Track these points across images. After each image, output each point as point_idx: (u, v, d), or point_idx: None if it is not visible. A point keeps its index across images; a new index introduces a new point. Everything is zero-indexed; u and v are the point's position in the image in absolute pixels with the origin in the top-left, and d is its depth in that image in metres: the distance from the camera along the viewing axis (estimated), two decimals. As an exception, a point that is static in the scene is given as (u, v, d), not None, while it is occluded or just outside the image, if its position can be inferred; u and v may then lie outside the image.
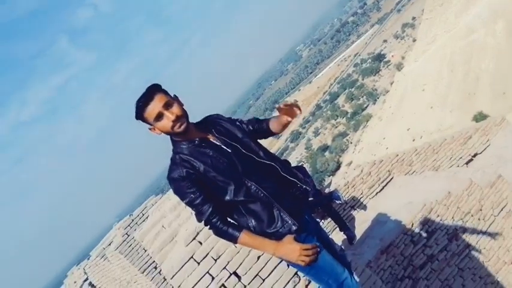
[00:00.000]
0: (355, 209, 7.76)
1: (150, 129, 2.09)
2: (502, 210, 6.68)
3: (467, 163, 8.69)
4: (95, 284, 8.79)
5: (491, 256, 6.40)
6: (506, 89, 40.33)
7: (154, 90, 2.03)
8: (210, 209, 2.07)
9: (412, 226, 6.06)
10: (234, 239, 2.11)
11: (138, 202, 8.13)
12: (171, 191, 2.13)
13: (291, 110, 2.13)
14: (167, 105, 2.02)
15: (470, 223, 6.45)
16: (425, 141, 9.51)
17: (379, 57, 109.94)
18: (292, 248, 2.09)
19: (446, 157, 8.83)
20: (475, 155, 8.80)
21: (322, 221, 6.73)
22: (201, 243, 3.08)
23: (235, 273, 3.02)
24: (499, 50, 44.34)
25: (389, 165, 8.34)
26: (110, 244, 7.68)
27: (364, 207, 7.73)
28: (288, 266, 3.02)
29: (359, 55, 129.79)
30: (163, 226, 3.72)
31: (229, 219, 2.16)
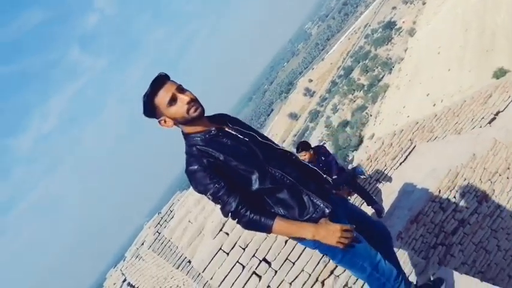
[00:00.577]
0: (380, 182, 7.71)
1: (159, 121, 1.98)
2: (530, 165, 6.54)
3: (490, 122, 8.50)
4: (133, 284, 9.00)
5: (524, 213, 6.29)
6: (525, 41, 39.26)
7: (163, 77, 1.95)
8: (238, 199, 1.94)
9: (439, 193, 5.99)
10: (268, 228, 1.98)
11: (165, 199, 8.25)
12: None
13: None
14: (180, 90, 1.95)
15: (498, 183, 6.34)
16: (445, 106, 9.33)
17: (390, 25, 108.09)
18: (333, 229, 1.98)
19: (467, 119, 8.66)
20: (497, 113, 8.60)
21: (349, 197, 6.71)
22: (227, 234, 3.12)
23: (264, 259, 3.05)
24: (513, 2, 43.05)
25: (410, 133, 8.23)
26: (142, 243, 7.82)
27: (389, 179, 7.67)
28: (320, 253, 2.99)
29: (369, 25, 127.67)
30: (189, 221, 3.77)
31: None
